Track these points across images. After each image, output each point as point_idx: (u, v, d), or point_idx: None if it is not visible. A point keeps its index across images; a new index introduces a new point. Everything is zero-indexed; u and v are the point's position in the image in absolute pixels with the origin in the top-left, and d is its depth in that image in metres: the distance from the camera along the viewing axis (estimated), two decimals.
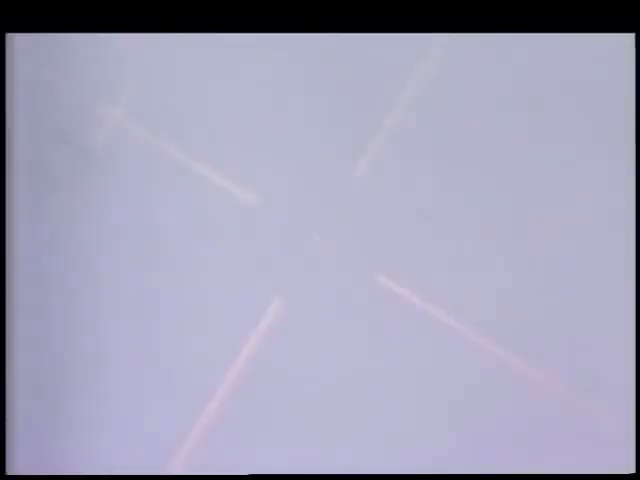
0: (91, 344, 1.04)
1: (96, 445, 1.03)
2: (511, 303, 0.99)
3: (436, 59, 1.01)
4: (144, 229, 1.04)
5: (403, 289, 1.00)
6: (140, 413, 1.03)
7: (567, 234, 0.99)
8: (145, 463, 1.03)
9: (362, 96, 1.02)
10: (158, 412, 1.03)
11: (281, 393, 1.01)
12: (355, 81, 1.02)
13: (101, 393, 1.03)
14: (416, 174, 1.01)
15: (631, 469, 0.93)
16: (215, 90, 1.04)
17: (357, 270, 1.01)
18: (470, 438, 0.98)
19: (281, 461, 1.01)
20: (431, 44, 1.01)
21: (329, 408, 1.00)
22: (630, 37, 0.97)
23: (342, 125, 1.02)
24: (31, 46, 1.05)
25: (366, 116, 1.02)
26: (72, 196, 1.05)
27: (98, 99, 1.05)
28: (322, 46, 1.02)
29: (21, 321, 1.04)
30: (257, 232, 1.03)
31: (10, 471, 1.02)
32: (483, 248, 1.00)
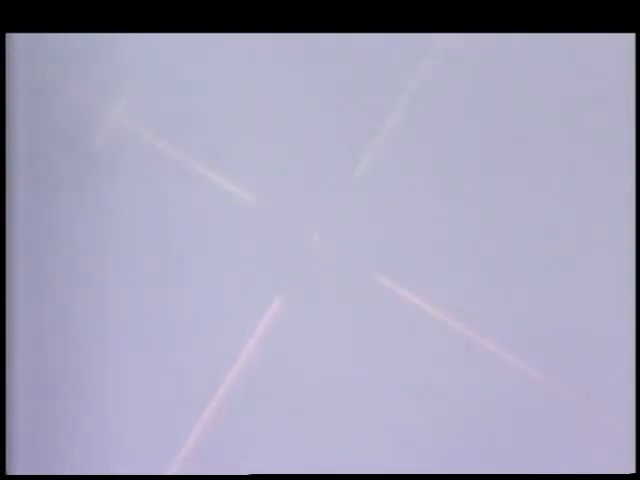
0: (91, 344, 1.04)
1: (96, 445, 1.03)
2: (511, 304, 0.99)
3: (436, 59, 1.01)
4: (144, 229, 1.04)
5: (403, 289, 1.00)
6: (140, 413, 1.03)
7: (568, 235, 0.99)
8: (145, 463, 1.03)
9: (362, 96, 1.02)
10: (158, 412, 1.03)
11: (281, 392, 1.01)
12: (355, 81, 1.02)
13: (101, 393, 1.03)
14: (416, 174, 1.01)
15: (631, 469, 0.94)
16: (215, 90, 1.04)
17: (357, 270, 1.01)
18: (470, 438, 0.98)
19: (281, 461, 1.01)
20: (431, 44, 1.01)
21: (329, 408, 1.00)
22: (630, 37, 0.97)
23: (342, 125, 1.02)
24: (31, 46, 1.05)
25: (366, 116, 1.02)
26: (72, 196, 1.05)
27: (98, 99, 1.05)
28: (322, 46, 1.02)
29: (21, 321, 1.04)
30: (257, 232, 1.03)
31: (10, 471, 1.02)
32: (483, 249, 1.00)
